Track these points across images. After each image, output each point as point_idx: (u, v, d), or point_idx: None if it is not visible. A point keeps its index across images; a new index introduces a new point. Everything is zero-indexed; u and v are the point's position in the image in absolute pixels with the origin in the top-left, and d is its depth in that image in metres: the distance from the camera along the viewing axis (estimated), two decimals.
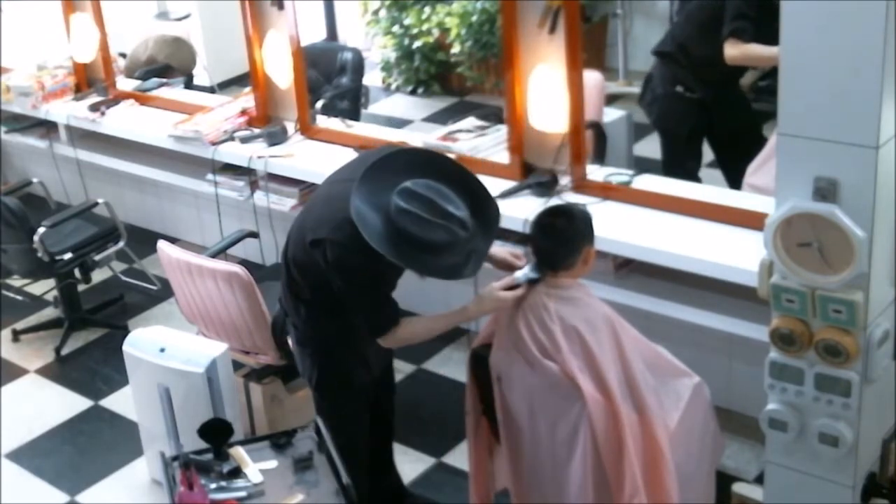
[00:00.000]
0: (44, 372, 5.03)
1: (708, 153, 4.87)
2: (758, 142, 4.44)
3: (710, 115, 4.63)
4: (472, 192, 3.10)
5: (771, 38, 4.23)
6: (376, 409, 3.61)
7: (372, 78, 7.24)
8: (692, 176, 4.66)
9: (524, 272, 3.16)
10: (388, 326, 3.19)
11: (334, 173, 3.40)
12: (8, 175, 6.65)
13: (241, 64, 5.25)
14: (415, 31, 7.25)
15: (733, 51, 4.28)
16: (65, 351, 5.13)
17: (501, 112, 4.49)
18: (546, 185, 4.12)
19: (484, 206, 3.12)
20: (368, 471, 3.63)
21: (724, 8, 4.29)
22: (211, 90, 6.47)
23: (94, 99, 5.76)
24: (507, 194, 4.17)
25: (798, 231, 2.70)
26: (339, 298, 3.21)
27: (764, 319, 2.95)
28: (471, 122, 4.75)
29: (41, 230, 4.92)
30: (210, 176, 5.13)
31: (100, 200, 5.31)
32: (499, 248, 3.35)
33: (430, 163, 3.14)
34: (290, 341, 3.62)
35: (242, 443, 3.22)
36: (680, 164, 4.68)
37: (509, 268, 3.27)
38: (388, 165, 3.09)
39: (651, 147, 5.98)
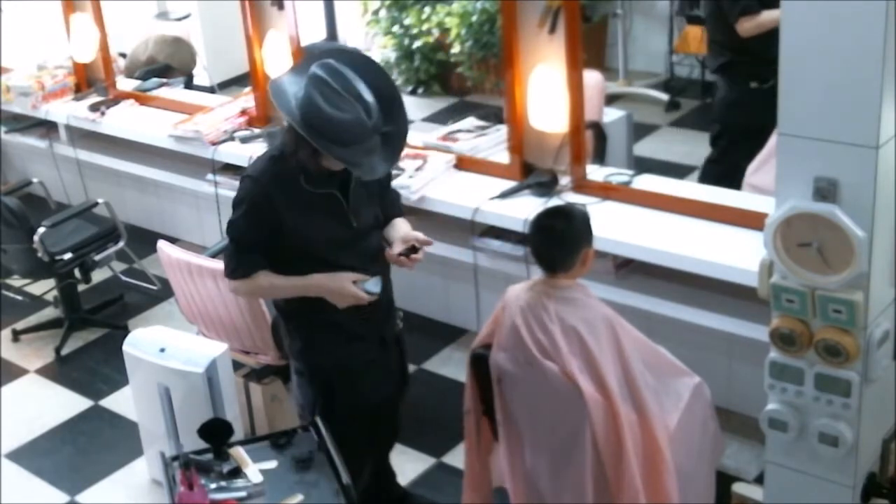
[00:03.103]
0: (44, 372, 5.03)
1: None
2: None
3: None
4: (388, 101, 3.09)
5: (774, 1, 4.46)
6: (377, 422, 3.57)
7: None
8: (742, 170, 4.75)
9: (370, 283, 3.16)
10: (237, 274, 3.20)
11: None
12: (8, 175, 6.66)
13: (241, 64, 5.25)
14: (415, 31, 7.25)
15: (748, 25, 4.50)
16: (65, 351, 5.13)
17: (501, 112, 4.49)
18: (546, 185, 4.12)
19: (394, 119, 3.10)
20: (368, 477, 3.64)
21: None
22: (211, 90, 6.47)
23: (94, 99, 5.76)
24: (507, 194, 4.17)
25: (798, 231, 2.70)
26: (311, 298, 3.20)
27: (764, 319, 2.95)
28: (471, 122, 4.75)
29: (41, 230, 4.92)
30: (210, 176, 5.13)
31: (100, 200, 5.32)
32: (406, 228, 3.34)
33: (357, 59, 3.14)
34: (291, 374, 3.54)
35: (242, 443, 3.22)
36: (744, 160, 4.74)
37: (405, 253, 3.23)
38: (316, 57, 3.11)
39: (651, 147, 5.99)
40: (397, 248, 3.23)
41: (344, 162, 3.03)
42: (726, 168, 4.63)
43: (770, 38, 4.45)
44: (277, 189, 3.11)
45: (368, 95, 3.01)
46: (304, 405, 3.43)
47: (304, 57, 3.21)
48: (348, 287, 3.15)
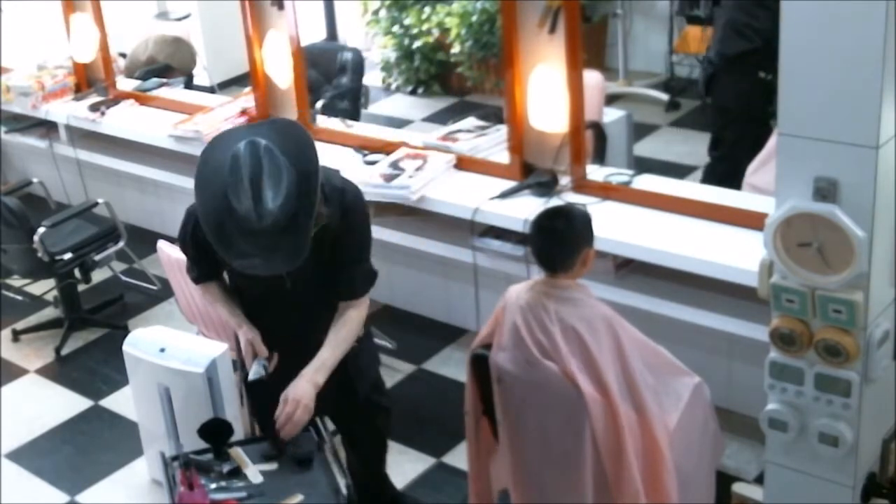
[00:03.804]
0: (44, 372, 5.03)
1: None
2: None
3: None
4: (306, 192, 2.84)
5: None
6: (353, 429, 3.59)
7: (372, 78, 7.24)
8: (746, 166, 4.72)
9: (255, 368, 3.14)
10: (191, 277, 3.34)
11: None
12: (8, 175, 6.66)
13: (241, 64, 5.25)
14: (415, 31, 7.25)
15: None
16: (65, 351, 5.13)
17: (501, 112, 4.49)
18: (546, 185, 4.12)
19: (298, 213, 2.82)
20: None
21: None
22: (211, 90, 6.48)
23: (94, 99, 5.77)
24: (507, 194, 4.17)
25: (798, 231, 2.70)
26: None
27: (764, 319, 2.95)
28: (471, 122, 4.75)
29: (41, 230, 4.92)
30: None
31: (100, 200, 5.32)
32: (248, 334, 3.18)
33: (300, 143, 2.90)
34: None
35: (242, 443, 3.22)
36: (751, 150, 4.74)
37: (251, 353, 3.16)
38: (271, 126, 3.02)
39: (651, 147, 5.99)
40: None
41: (221, 251, 2.89)
42: (730, 166, 4.59)
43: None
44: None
45: (275, 199, 2.77)
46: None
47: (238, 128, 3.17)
48: (247, 350, 3.15)
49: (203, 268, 3.28)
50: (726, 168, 4.79)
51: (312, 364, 3.09)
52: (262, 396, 3.22)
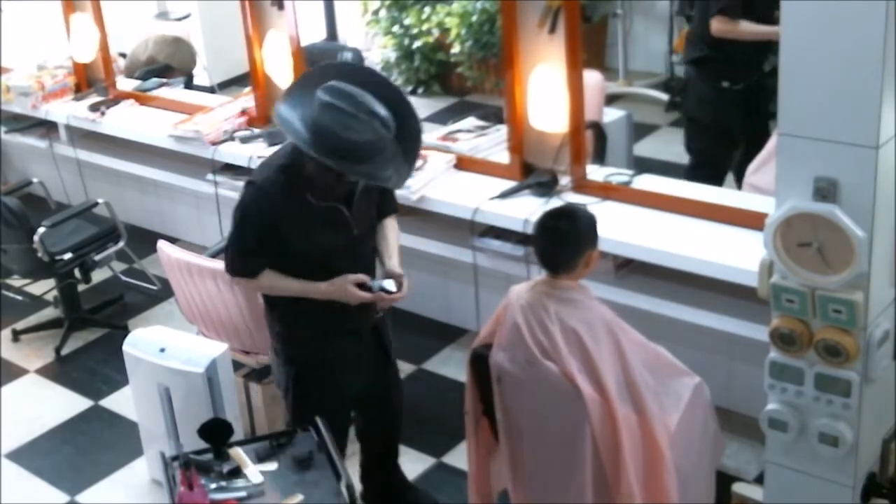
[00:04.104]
0: (44, 372, 5.03)
1: None
2: None
3: (753, 104, 4.69)
4: (397, 106, 3.11)
5: (758, 13, 4.38)
6: (368, 428, 3.62)
7: None
8: (725, 171, 4.80)
9: (379, 282, 3.24)
10: (238, 272, 3.29)
11: None
12: (8, 175, 6.66)
13: (241, 64, 5.25)
14: (415, 31, 7.25)
15: (721, 26, 4.48)
16: (65, 351, 5.13)
17: (501, 112, 4.49)
18: (546, 185, 4.12)
19: (406, 122, 3.13)
20: (365, 476, 3.69)
21: None
22: (211, 90, 6.47)
23: (94, 99, 5.76)
24: (507, 194, 4.17)
25: (798, 231, 2.70)
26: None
27: (764, 319, 2.95)
28: (471, 122, 4.75)
29: (41, 230, 4.92)
30: (210, 176, 5.13)
31: (100, 200, 5.32)
32: (395, 259, 3.38)
33: (357, 72, 3.17)
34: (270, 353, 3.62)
35: (242, 443, 3.22)
36: (720, 159, 4.77)
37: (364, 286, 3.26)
38: (316, 76, 3.14)
39: (651, 147, 5.99)
40: (384, 283, 3.26)
41: (372, 178, 3.07)
42: (703, 178, 4.53)
43: (747, 41, 4.49)
44: (283, 201, 3.14)
45: (380, 108, 3.03)
46: (279, 383, 3.52)
47: (301, 79, 3.22)
48: (350, 291, 3.20)
49: (256, 255, 3.22)
50: (700, 180, 4.75)
51: (392, 258, 3.36)
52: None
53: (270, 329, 3.48)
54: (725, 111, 4.72)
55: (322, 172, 3.06)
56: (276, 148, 4.77)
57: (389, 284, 3.27)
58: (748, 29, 4.45)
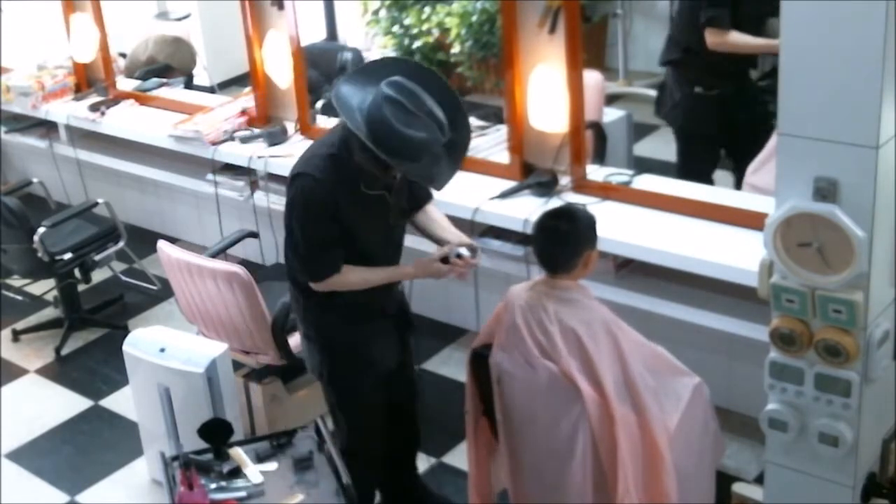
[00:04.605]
0: (44, 372, 5.03)
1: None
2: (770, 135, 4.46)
3: (729, 112, 4.60)
4: (452, 112, 3.16)
5: (747, 24, 4.27)
6: (394, 405, 3.62)
7: None
8: (708, 177, 4.69)
9: (456, 249, 3.30)
10: (326, 272, 3.23)
11: None
12: (8, 175, 6.66)
13: (241, 64, 5.25)
14: (415, 31, 7.24)
15: (715, 38, 4.33)
16: (65, 351, 5.13)
17: (501, 112, 4.48)
18: (546, 185, 4.12)
19: (459, 130, 3.20)
20: (385, 466, 3.67)
21: None
22: (211, 90, 6.47)
23: (94, 99, 5.77)
24: (507, 194, 4.17)
25: (798, 231, 2.69)
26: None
27: (764, 319, 2.95)
28: (471, 122, 4.74)
29: (41, 230, 4.92)
30: (210, 176, 5.13)
31: (100, 200, 5.32)
32: (452, 228, 3.45)
33: (421, 71, 3.21)
34: (299, 337, 3.65)
35: (242, 443, 3.22)
36: (699, 164, 4.69)
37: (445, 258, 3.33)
38: (380, 68, 3.17)
39: (651, 147, 5.98)
40: (460, 250, 3.33)
41: (419, 177, 3.14)
42: (689, 178, 4.45)
43: (730, 54, 4.38)
44: (338, 189, 3.15)
45: (439, 111, 3.08)
46: (312, 366, 3.52)
47: (365, 67, 3.26)
48: (437, 267, 3.29)
49: (335, 248, 3.21)
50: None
51: (452, 229, 3.45)
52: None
53: (301, 317, 3.45)
54: (696, 117, 4.62)
55: (370, 163, 3.09)
56: (276, 148, 4.87)
57: (465, 251, 3.31)
58: (742, 42, 4.32)
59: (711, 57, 4.44)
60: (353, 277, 3.26)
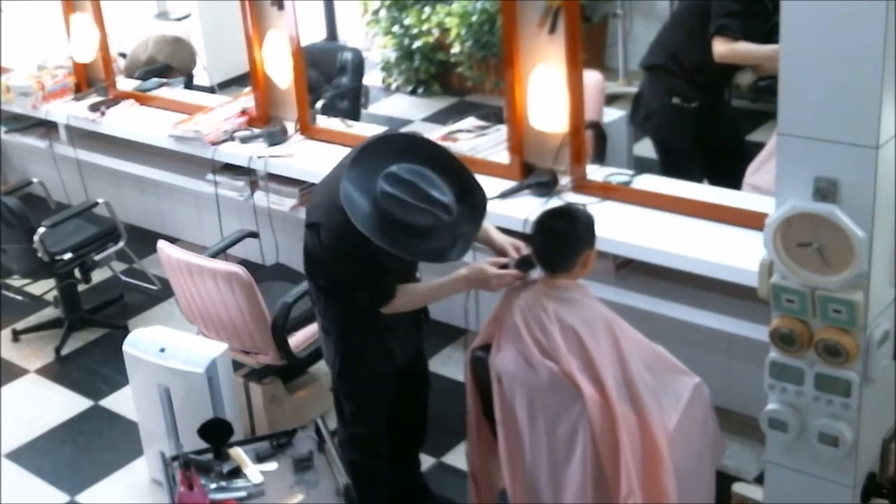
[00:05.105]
0: (44, 372, 5.03)
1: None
2: (745, 153, 4.39)
3: (705, 126, 4.52)
4: (459, 177, 3.17)
5: (758, 34, 4.19)
6: (403, 401, 3.62)
7: (372, 78, 7.24)
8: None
9: (518, 261, 3.26)
10: (385, 299, 3.28)
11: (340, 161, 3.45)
12: (8, 175, 6.66)
13: (241, 64, 5.25)
14: (415, 31, 7.25)
15: (723, 48, 4.22)
16: (65, 351, 5.13)
17: (501, 112, 4.48)
18: (546, 185, 4.12)
19: (470, 192, 3.19)
20: (391, 464, 3.66)
21: (711, 6, 4.24)
22: (211, 90, 6.47)
23: (94, 99, 5.76)
24: (507, 194, 4.17)
25: (798, 231, 2.70)
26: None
27: (764, 319, 2.95)
28: (471, 122, 4.75)
29: (41, 230, 4.92)
30: (210, 176, 5.13)
31: (100, 200, 5.32)
32: (501, 236, 3.43)
33: (418, 147, 3.21)
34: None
35: (242, 443, 3.22)
36: (678, 175, 4.64)
37: (504, 256, 3.34)
38: (378, 149, 3.17)
39: (651, 147, 5.97)
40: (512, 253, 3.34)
41: (428, 259, 3.20)
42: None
43: (712, 63, 4.31)
44: (357, 233, 3.11)
45: (441, 194, 3.07)
46: (328, 357, 3.52)
47: (361, 154, 3.17)
48: (498, 275, 3.25)
49: (388, 273, 3.27)
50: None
51: (495, 230, 3.46)
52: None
53: (322, 312, 3.46)
54: (671, 129, 4.56)
55: (382, 250, 3.11)
56: (276, 148, 4.87)
57: (519, 264, 3.29)
58: (751, 51, 4.19)
59: (694, 68, 4.37)
60: (415, 297, 3.36)
